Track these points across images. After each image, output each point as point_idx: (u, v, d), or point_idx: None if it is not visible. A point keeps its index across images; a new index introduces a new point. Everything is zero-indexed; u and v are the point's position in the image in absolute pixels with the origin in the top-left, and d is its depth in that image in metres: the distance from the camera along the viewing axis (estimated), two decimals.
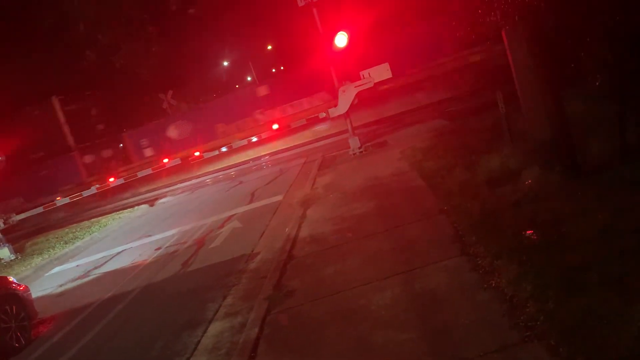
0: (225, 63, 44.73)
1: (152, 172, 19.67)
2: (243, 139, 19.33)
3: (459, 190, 7.75)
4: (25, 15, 27.73)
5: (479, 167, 8.57)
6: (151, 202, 21.23)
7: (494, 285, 4.72)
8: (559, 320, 3.78)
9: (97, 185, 19.80)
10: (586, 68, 6.97)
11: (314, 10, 15.19)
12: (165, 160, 19.60)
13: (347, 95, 15.42)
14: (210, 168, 24.78)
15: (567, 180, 6.58)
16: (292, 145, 23.57)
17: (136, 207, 20.35)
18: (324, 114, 16.40)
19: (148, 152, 28.98)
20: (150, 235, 13.85)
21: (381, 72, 15.36)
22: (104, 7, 26.52)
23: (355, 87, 15.34)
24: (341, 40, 14.85)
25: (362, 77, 15.34)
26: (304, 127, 20.44)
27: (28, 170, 29.23)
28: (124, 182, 19.62)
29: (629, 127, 6.59)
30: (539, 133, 7.52)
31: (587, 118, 7.67)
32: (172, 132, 28.63)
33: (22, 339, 7.75)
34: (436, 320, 4.55)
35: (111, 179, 19.49)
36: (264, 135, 18.68)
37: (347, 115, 15.83)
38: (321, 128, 23.12)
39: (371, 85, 15.31)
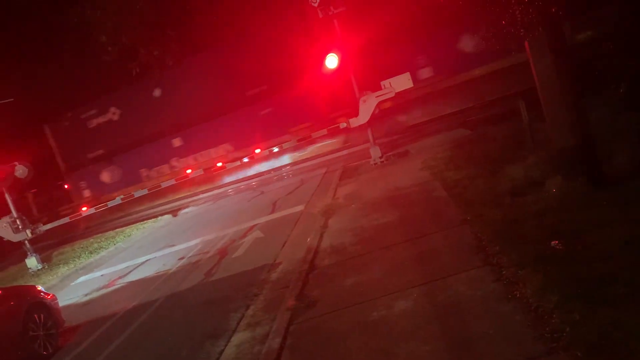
0: None
1: (175, 182, 19.88)
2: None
3: (482, 200, 7.71)
4: (48, 20, 28.25)
5: (501, 177, 8.52)
6: (174, 212, 21.49)
7: (518, 295, 4.68)
8: (585, 332, 3.73)
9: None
10: (610, 77, 6.93)
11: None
12: (189, 171, 19.84)
13: (367, 105, 15.47)
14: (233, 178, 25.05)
15: (591, 190, 6.51)
16: (312, 155, 23.66)
17: (159, 218, 20.63)
18: (344, 124, 16.45)
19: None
20: (173, 245, 14.02)
21: (402, 82, 15.40)
22: (125, 9, 26.85)
23: (376, 97, 15.38)
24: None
25: (383, 87, 15.39)
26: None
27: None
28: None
29: None
30: (562, 142, 7.46)
31: (611, 128, 7.57)
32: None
33: (49, 347, 7.90)
34: (460, 331, 4.53)
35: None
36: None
37: (368, 124, 15.86)
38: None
39: (392, 95, 15.34)
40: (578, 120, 7.00)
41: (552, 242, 5.36)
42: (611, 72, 7.11)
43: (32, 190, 30.04)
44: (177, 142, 26.40)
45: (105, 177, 27.80)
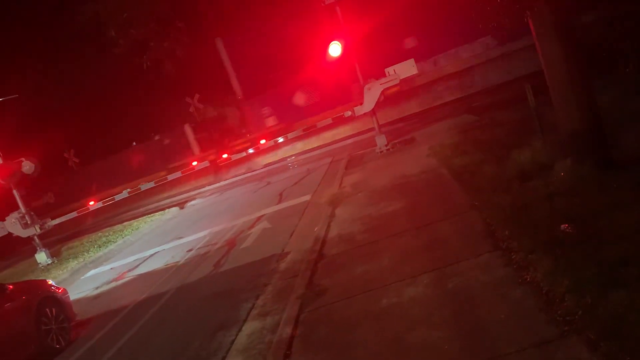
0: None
1: (181, 174, 19.96)
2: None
3: (490, 186, 7.66)
4: (58, 14, 28.28)
5: (509, 162, 8.46)
6: (181, 204, 21.55)
7: (529, 280, 4.66)
8: (598, 315, 3.71)
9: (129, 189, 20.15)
10: (618, 58, 6.84)
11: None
12: (195, 163, 19.89)
13: (372, 93, 15.39)
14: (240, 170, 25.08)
15: (600, 173, 6.45)
16: (317, 145, 23.64)
17: (167, 210, 20.69)
18: (349, 113, 16.40)
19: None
20: (181, 238, 14.07)
21: (407, 69, 15.30)
22: (134, 2, 26.87)
23: (380, 84, 15.29)
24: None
25: (387, 74, 15.30)
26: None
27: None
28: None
29: None
30: (571, 125, 7.38)
31: (620, 110, 7.51)
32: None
33: (62, 341, 7.97)
34: (471, 316, 4.52)
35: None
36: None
37: (373, 112, 15.80)
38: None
39: (397, 82, 15.25)
40: (586, 102, 6.93)
41: (562, 226, 5.33)
42: (619, 53, 7.03)
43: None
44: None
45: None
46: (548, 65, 7.25)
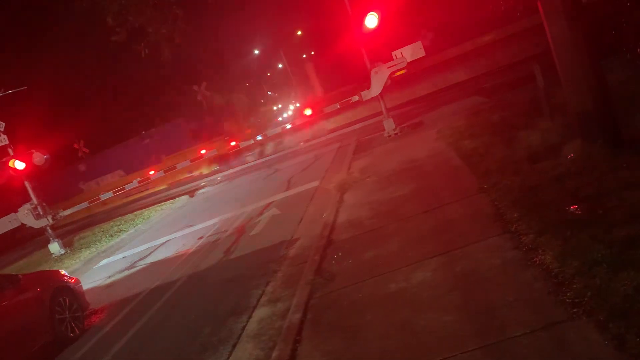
0: (256, 52, 44.94)
1: (190, 163, 20.04)
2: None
3: (499, 168, 7.62)
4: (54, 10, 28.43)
5: (518, 143, 8.40)
6: (191, 192, 21.66)
7: (538, 262, 4.64)
8: (607, 297, 3.68)
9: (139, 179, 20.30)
10: (627, 36, 6.72)
11: None
12: (203, 152, 19.94)
13: (379, 77, 15.29)
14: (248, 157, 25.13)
15: (610, 153, 6.37)
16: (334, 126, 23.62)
17: (177, 199, 20.82)
18: (356, 98, 16.31)
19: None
20: (192, 225, 14.15)
21: (414, 51, 15.16)
22: None
23: (387, 67, 15.18)
24: (371, 21, 14.68)
25: (394, 57, 15.17)
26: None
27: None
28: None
29: None
30: (580, 105, 7.29)
31: (630, 88, 7.39)
32: None
33: (76, 329, 8.08)
34: (480, 299, 4.51)
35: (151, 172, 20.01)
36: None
37: (380, 96, 15.70)
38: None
39: (404, 65, 15.13)
40: (595, 81, 6.83)
41: (571, 207, 5.28)
42: (629, 31, 6.90)
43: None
44: None
45: None
46: (556, 44, 7.14)
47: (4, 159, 15.83)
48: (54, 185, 30.42)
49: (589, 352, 3.38)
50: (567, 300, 3.92)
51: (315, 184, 13.01)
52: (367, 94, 15.87)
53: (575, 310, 3.79)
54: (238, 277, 8.11)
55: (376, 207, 8.60)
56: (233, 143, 19.71)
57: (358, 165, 12.94)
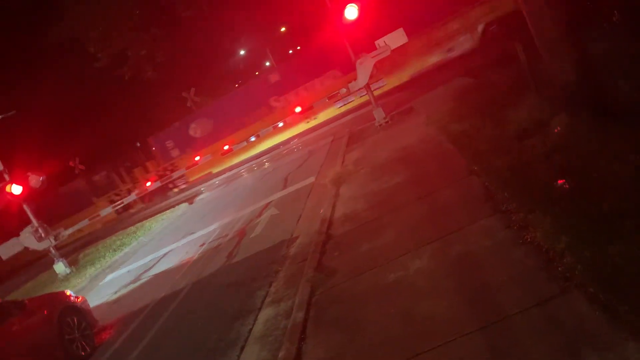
0: (242, 52, 44.83)
1: (185, 171, 20.08)
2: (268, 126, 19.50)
3: (488, 149, 7.66)
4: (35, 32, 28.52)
5: (506, 122, 8.43)
6: (190, 200, 21.74)
7: (529, 240, 4.71)
8: (597, 269, 3.75)
9: (136, 191, 20.34)
10: (604, 4, 6.71)
11: None
12: (197, 158, 19.97)
13: (365, 67, 15.30)
14: (243, 157, 25.19)
15: (596, 124, 6.41)
16: (316, 124, 23.64)
17: (176, 207, 20.89)
18: (344, 90, 16.33)
19: (174, 152, 29.99)
20: (193, 233, 14.23)
21: (396, 39, 15.14)
22: (109, 12, 27.02)
23: (372, 57, 15.18)
24: (351, 12, 14.67)
25: (377, 46, 15.16)
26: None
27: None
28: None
29: None
30: (563, 78, 7.32)
31: (611, 58, 7.40)
32: (194, 131, 29.44)
33: (87, 348, 8.16)
34: (475, 281, 4.59)
35: (148, 183, 20.04)
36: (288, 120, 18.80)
37: (367, 87, 15.72)
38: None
39: (388, 53, 15.12)
40: (576, 53, 6.85)
41: (559, 182, 5.34)
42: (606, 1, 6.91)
43: None
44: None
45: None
46: (532, 14, 7.14)
47: (1, 185, 15.87)
48: (60, 204, 30.56)
49: (580, 324, 3.46)
50: (558, 275, 4.00)
51: (311, 180, 13.08)
52: (354, 85, 15.89)
53: (566, 284, 3.86)
54: (241, 280, 8.18)
55: (371, 198, 8.67)
56: (226, 147, 19.73)
57: (351, 157, 13.00)
